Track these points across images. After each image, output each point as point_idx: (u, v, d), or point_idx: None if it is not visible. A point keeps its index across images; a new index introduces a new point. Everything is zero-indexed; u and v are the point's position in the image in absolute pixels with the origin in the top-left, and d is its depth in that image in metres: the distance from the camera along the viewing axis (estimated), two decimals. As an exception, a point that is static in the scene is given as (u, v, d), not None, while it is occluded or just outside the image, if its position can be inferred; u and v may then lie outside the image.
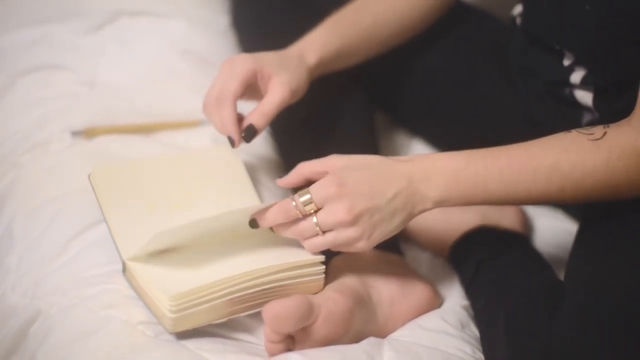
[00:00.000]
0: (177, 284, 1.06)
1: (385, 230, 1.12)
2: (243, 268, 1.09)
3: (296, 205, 1.10)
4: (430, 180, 1.12)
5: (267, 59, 1.24)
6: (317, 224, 1.11)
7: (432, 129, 1.55)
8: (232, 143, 1.22)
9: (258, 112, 1.23)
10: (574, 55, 1.25)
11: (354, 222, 1.10)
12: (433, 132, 1.55)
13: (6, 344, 1.17)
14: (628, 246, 1.12)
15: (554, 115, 1.34)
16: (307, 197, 1.10)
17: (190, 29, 1.64)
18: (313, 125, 1.39)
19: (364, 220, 1.10)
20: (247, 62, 1.22)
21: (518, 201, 1.16)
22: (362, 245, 1.12)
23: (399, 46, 1.44)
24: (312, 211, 1.10)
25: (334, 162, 1.13)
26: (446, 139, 1.53)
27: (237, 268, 1.09)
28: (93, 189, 1.22)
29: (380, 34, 1.38)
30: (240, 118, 1.25)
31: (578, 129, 1.12)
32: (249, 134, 1.22)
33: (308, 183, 1.13)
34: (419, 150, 1.57)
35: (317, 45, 1.30)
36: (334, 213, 1.10)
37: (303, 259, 1.13)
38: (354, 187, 1.09)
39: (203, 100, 1.24)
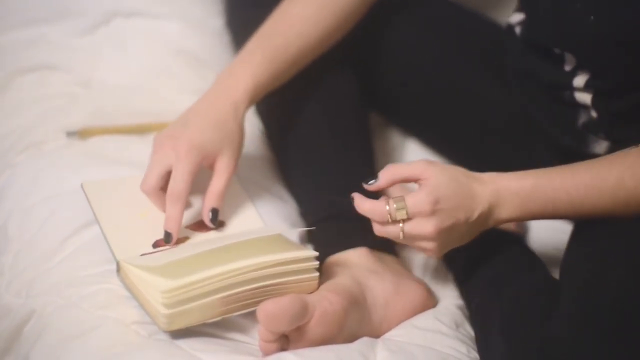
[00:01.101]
0: (170, 279, 1.06)
1: (457, 244, 1.21)
2: (237, 263, 1.09)
3: (389, 211, 1.15)
4: (504, 205, 1.18)
5: (208, 142, 1.23)
6: (402, 230, 1.16)
7: (426, 129, 1.55)
8: (169, 239, 1.20)
9: (214, 195, 1.23)
10: (577, 60, 1.25)
11: (435, 237, 1.16)
12: (426, 132, 1.55)
13: (0, 343, 1.17)
14: (623, 246, 1.12)
15: (549, 114, 1.34)
16: (402, 208, 1.15)
17: (184, 29, 1.64)
18: (308, 125, 1.39)
19: (444, 236, 1.17)
20: (193, 159, 1.21)
21: (585, 217, 1.20)
22: (431, 254, 1.20)
23: (392, 45, 1.45)
24: (402, 219, 1.16)
25: (425, 170, 1.17)
26: (439, 138, 1.54)
27: (231, 263, 1.09)
28: (86, 195, 1.23)
29: (312, 49, 1.36)
30: None
31: None
32: (213, 217, 1.23)
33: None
34: (413, 151, 1.57)
35: (249, 85, 1.28)
36: (422, 228, 1.16)
37: (297, 253, 1.13)
38: (445, 205, 1.15)
39: (144, 177, 1.23)
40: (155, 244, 1.19)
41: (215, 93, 1.28)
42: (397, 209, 1.15)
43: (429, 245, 1.18)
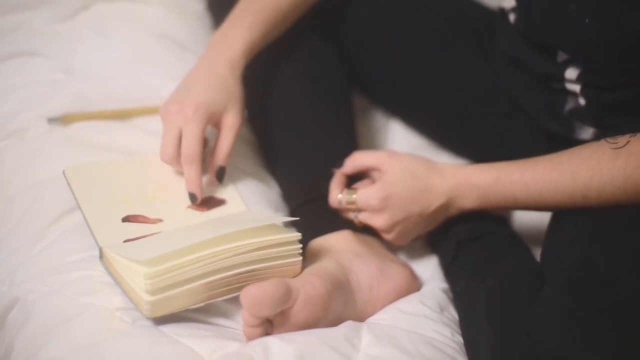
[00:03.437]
0: (152, 264, 1.06)
1: (417, 234, 1.31)
2: (219, 247, 1.09)
3: (340, 203, 1.28)
4: (463, 197, 1.26)
5: (213, 102, 1.26)
6: (356, 219, 1.28)
7: (409, 110, 1.55)
8: (195, 200, 1.24)
9: (222, 153, 1.27)
10: (570, 56, 1.25)
11: (389, 230, 1.27)
12: (410, 113, 1.55)
13: (-16, 331, 1.17)
14: (605, 230, 1.13)
15: (536, 99, 1.34)
16: (352, 202, 1.27)
17: (165, 13, 1.63)
18: (290, 107, 1.39)
19: (398, 228, 1.27)
20: (200, 118, 1.23)
21: (546, 208, 1.25)
22: (392, 244, 1.30)
23: (376, 25, 1.45)
24: (354, 208, 1.27)
25: (384, 163, 1.27)
26: (423, 120, 1.54)
27: (214, 247, 1.09)
28: (67, 182, 1.22)
29: (301, 6, 1.39)
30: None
31: (606, 138, 1.16)
32: (220, 175, 1.27)
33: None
34: (397, 132, 1.57)
35: (243, 46, 1.31)
36: (373, 221, 1.26)
37: (280, 236, 1.13)
38: (396, 201, 1.25)
39: (161, 148, 1.25)
40: (126, 219, 1.20)
41: (211, 56, 1.31)
42: (348, 202, 1.27)
43: (385, 236, 1.28)
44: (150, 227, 1.20)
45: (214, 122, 1.27)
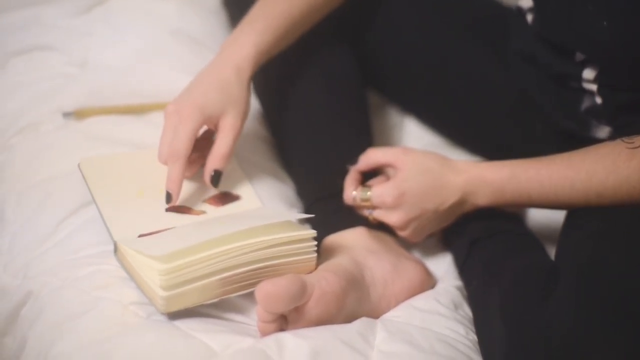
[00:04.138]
0: (167, 261, 1.06)
1: (432, 230, 1.30)
2: (235, 244, 1.09)
3: (355, 200, 1.28)
4: (478, 194, 1.25)
5: (211, 103, 1.23)
6: (371, 216, 1.28)
7: (424, 107, 1.54)
8: (169, 199, 1.21)
9: (217, 156, 1.23)
10: (588, 57, 1.25)
11: (403, 227, 1.27)
12: (425, 110, 1.55)
13: (-2, 325, 1.17)
14: (619, 229, 1.12)
15: (552, 97, 1.33)
16: (367, 199, 1.27)
17: (180, 8, 1.63)
18: (306, 104, 1.39)
19: (413, 225, 1.26)
20: (194, 118, 1.21)
21: (560, 207, 1.25)
22: (407, 240, 1.30)
23: (391, 22, 1.44)
24: (368, 205, 1.27)
25: (398, 159, 1.26)
26: (438, 117, 1.53)
27: (229, 244, 1.08)
28: (82, 175, 1.22)
29: (316, 11, 1.37)
30: (205, 137, 1.27)
31: (622, 138, 1.16)
32: (216, 179, 1.24)
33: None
34: (411, 129, 1.57)
35: (252, 51, 1.28)
36: (387, 218, 1.26)
37: (295, 233, 1.13)
38: (411, 198, 1.24)
39: (159, 148, 1.23)
40: (170, 209, 1.21)
41: (219, 60, 1.29)
42: (362, 199, 1.27)
43: (400, 232, 1.28)
44: (193, 217, 1.21)
45: (213, 125, 1.25)
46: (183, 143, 1.19)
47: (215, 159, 1.23)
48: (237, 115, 1.24)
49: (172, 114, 1.22)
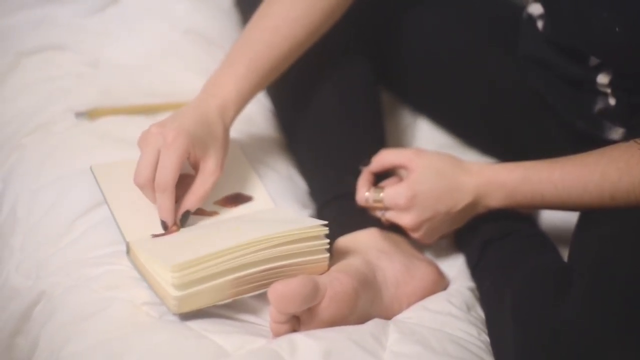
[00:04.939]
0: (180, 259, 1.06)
1: (444, 232, 1.30)
2: (245, 239, 1.08)
3: (367, 201, 1.28)
4: (491, 195, 1.25)
5: (197, 135, 1.19)
6: (383, 217, 1.28)
7: (437, 108, 1.54)
8: (165, 227, 1.17)
9: (194, 197, 1.20)
10: (602, 62, 1.24)
11: (416, 228, 1.27)
12: (438, 111, 1.55)
13: (11, 324, 1.17)
14: (632, 228, 1.12)
15: (565, 99, 1.33)
16: (379, 200, 1.27)
17: (193, 8, 1.63)
18: (318, 105, 1.39)
19: (425, 227, 1.26)
20: (180, 145, 1.16)
21: (573, 208, 1.24)
22: (420, 242, 1.30)
23: (404, 24, 1.44)
24: (381, 206, 1.27)
25: (411, 161, 1.27)
26: (450, 118, 1.53)
27: (240, 239, 1.09)
28: (95, 178, 1.22)
29: (297, 49, 1.32)
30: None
31: (636, 139, 1.15)
32: (184, 219, 1.20)
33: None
34: (424, 130, 1.57)
35: (233, 95, 1.25)
36: (400, 219, 1.26)
37: (307, 229, 1.13)
38: (423, 200, 1.24)
39: (136, 170, 1.17)
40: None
41: (202, 101, 1.25)
42: (375, 200, 1.27)
43: (412, 234, 1.28)
44: (206, 219, 1.21)
45: (193, 159, 1.21)
46: (170, 173, 1.15)
47: (192, 200, 1.20)
48: (219, 162, 1.21)
49: (155, 135, 1.18)
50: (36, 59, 1.53)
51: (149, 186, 1.17)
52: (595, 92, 1.27)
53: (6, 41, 1.57)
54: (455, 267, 1.33)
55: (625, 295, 1.02)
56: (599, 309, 1.02)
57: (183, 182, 1.20)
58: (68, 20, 1.59)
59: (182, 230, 1.17)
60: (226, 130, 1.24)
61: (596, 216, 1.19)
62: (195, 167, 1.22)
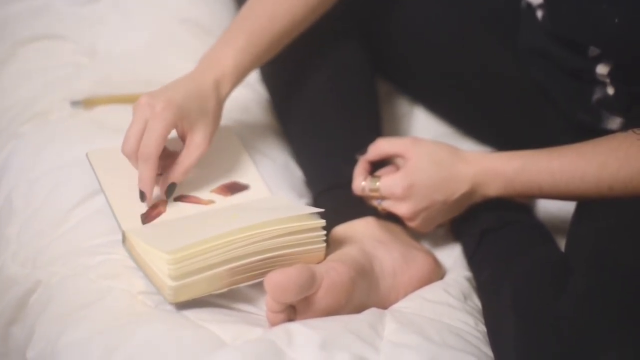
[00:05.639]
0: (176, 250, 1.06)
1: (441, 221, 1.30)
2: (243, 233, 1.08)
3: (364, 190, 1.27)
4: (488, 185, 1.25)
5: (187, 107, 1.18)
6: (380, 204, 1.27)
7: (434, 97, 1.54)
8: (143, 198, 1.17)
9: (180, 169, 1.19)
10: (601, 52, 1.24)
11: (413, 217, 1.26)
12: (435, 101, 1.54)
13: (7, 313, 1.17)
14: (630, 219, 1.12)
15: (564, 89, 1.33)
16: (375, 189, 1.26)
17: (190, -3, 1.63)
18: (315, 93, 1.38)
19: (422, 216, 1.26)
20: (167, 116, 1.16)
21: (571, 198, 1.24)
22: (416, 231, 1.30)
23: (401, 12, 1.43)
24: (377, 195, 1.26)
25: (408, 150, 1.26)
26: (448, 107, 1.53)
27: (237, 234, 1.08)
28: (91, 165, 1.22)
29: (297, 26, 1.32)
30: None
31: (634, 129, 1.15)
32: (170, 191, 1.20)
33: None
34: (420, 119, 1.56)
35: (231, 69, 1.25)
36: (397, 208, 1.26)
37: (304, 223, 1.13)
38: (420, 189, 1.24)
39: (124, 140, 1.17)
40: (178, 198, 1.21)
41: (199, 72, 1.25)
42: (371, 189, 1.26)
43: (409, 223, 1.28)
44: (202, 207, 1.21)
45: (181, 131, 1.20)
46: (155, 143, 1.15)
47: (177, 172, 1.19)
48: (206, 136, 1.21)
49: (144, 106, 1.17)
50: (33, 48, 1.53)
51: (134, 156, 1.17)
52: (594, 81, 1.27)
53: (3, 30, 1.57)
54: (452, 256, 1.33)
55: (622, 288, 1.02)
56: (596, 302, 1.02)
57: (173, 160, 1.20)
58: (65, 9, 1.59)
59: (179, 219, 1.17)
60: (219, 105, 1.24)
61: (593, 208, 1.20)
62: (184, 139, 1.21)
